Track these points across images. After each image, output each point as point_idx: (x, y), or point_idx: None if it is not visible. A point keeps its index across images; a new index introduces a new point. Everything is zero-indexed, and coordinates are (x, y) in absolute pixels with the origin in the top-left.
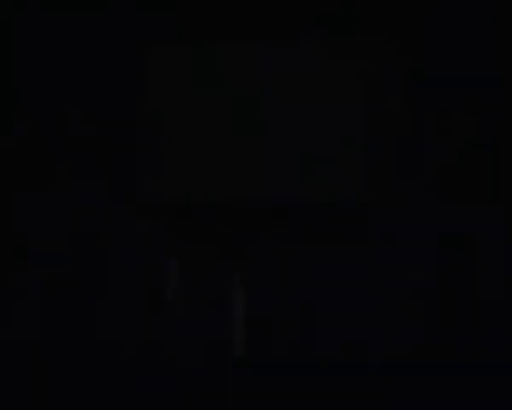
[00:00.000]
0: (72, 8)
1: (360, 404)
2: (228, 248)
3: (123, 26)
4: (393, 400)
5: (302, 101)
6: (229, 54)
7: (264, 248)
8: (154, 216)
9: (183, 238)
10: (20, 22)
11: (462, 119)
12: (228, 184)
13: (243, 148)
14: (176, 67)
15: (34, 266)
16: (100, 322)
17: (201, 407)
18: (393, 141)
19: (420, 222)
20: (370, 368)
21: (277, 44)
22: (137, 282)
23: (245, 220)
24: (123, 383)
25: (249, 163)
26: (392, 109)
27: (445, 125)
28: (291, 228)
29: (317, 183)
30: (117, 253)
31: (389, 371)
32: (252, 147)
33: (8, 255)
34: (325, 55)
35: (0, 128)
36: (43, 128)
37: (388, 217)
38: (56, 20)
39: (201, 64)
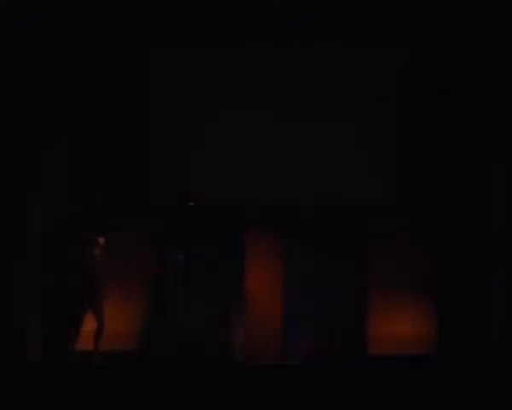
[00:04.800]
0: (69, 8)
1: (360, 404)
2: (227, 248)
3: (122, 25)
4: (393, 399)
5: (301, 101)
6: (230, 54)
7: (264, 248)
8: (154, 216)
9: (182, 238)
10: (20, 22)
11: (462, 119)
12: (227, 184)
13: (243, 147)
14: (175, 66)
15: (34, 265)
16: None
17: (201, 406)
18: (393, 141)
19: (419, 222)
20: (371, 367)
21: (277, 44)
22: (137, 281)
23: (244, 220)
24: (122, 383)
25: (248, 163)
26: (392, 109)
27: (445, 125)
28: (291, 228)
29: (316, 183)
30: (116, 252)
31: (388, 370)
32: (251, 146)
33: (8, 255)
34: (325, 55)
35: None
36: (40, 130)
37: (388, 217)
38: (55, 19)
39: (201, 64)
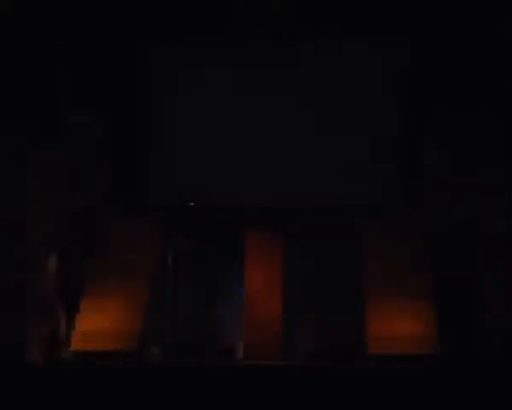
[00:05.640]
0: (69, 8)
1: (360, 404)
2: (227, 248)
3: (122, 25)
4: (393, 399)
5: (301, 101)
6: (230, 54)
7: (264, 248)
8: (154, 216)
9: (182, 238)
10: (20, 22)
11: (462, 119)
12: (227, 184)
13: (243, 147)
14: (175, 66)
15: (33, 265)
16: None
17: (201, 406)
18: (393, 141)
19: (419, 222)
20: (371, 367)
21: (277, 44)
22: (137, 281)
23: (244, 220)
24: (121, 383)
25: (249, 163)
26: (392, 109)
27: (445, 125)
28: (291, 228)
29: (316, 183)
30: (116, 252)
31: (388, 370)
32: (252, 146)
33: (8, 255)
34: (325, 55)
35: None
36: (40, 126)
37: (388, 217)
38: (55, 19)
39: (201, 64)
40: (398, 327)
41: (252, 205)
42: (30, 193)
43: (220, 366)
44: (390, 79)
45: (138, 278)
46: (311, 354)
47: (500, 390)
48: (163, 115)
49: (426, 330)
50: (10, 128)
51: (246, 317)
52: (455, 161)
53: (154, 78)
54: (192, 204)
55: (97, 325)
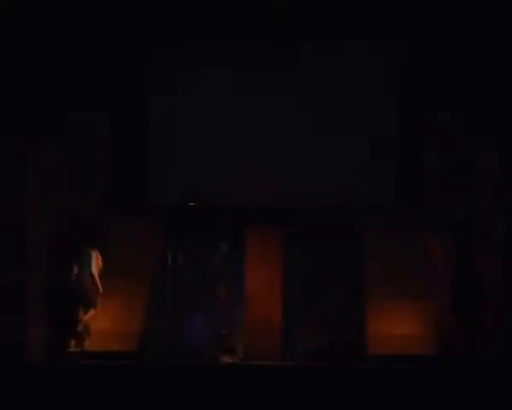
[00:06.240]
0: (69, 8)
1: (360, 404)
2: (227, 248)
3: (122, 25)
4: (392, 399)
5: (301, 101)
6: (230, 54)
7: (264, 248)
8: (154, 216)
9: (182, 238)
10: (20, 22)
11: (462, 119)
12: (227, 184)
13: (243, 147)
14: (175, 66)
15: (33, 265)
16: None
17: (201, 406)
18: (393, 141)
19: (419, 222)
20: (371, 367)
21: (277, 44)
22: (137, 281)
23: (244, 220)
24: (121, 383)
25: (249, 163)
26: (392, 109)
27: (444, 125)
28: (291, 228)
29: (316, 183)
30: (116, 252)
31: (388, 370)
32: (251, 147)
33: (9, 255)
34: (325, 55)
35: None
36: (40, 129)
37: (388, 217)
38: (55, 19)
39: (201, 64)
40: (398, 327)
41: (252, 205)
42: (30, 193)
43: (220, 366)
44: (390, 79)
45: (138, 278)
46: (311, 354)
47: (499, 390)
48: (163, 115)
49: (426, 331)
50: (10, 128)
51: (246, 317)
52: (455, 161)
53: (154, 78)
54: (192, 204)
55: (97, 325)
